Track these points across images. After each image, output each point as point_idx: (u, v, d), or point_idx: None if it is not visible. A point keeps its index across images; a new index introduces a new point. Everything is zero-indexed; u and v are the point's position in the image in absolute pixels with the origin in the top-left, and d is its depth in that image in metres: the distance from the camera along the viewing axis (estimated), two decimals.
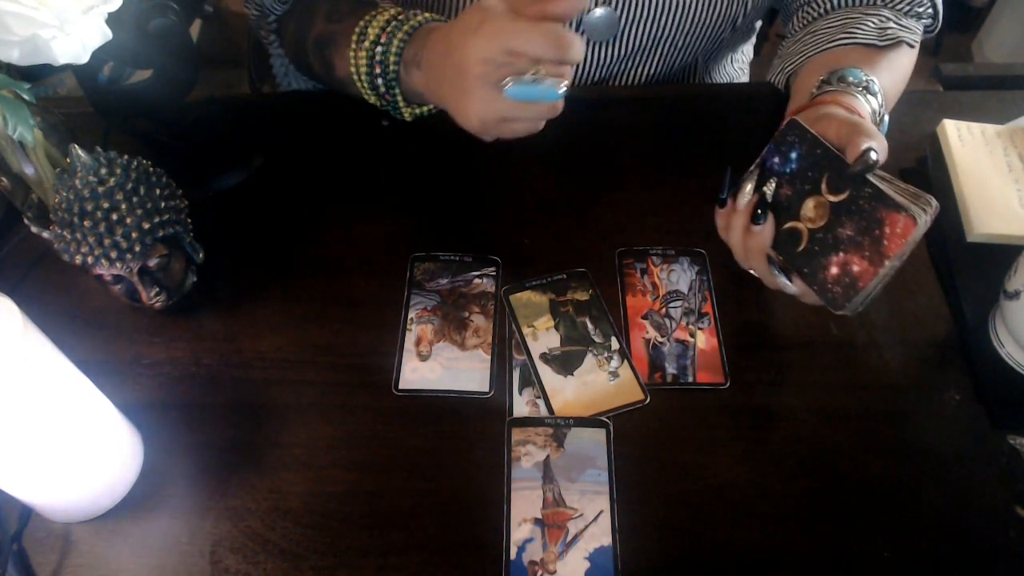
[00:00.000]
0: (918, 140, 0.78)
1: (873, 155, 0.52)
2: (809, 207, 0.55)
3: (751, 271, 0.60)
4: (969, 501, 0.56)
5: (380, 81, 0.67)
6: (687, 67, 0.86)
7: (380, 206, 0.72)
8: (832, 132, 0.55)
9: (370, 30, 0.66)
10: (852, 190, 0.53)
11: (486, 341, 0.63)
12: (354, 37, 0.67)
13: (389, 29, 0.65)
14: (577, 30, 0.78)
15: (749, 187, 0.57)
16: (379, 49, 0.65)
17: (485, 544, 0.53)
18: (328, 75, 0.73)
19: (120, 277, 0.59)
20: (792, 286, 0.58)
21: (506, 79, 0.54)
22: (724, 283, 0.67)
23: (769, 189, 0.57)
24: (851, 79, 0.62)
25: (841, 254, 0.53)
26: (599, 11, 0.76)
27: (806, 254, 0.55)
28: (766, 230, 0.57)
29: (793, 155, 0.56)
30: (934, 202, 0.50)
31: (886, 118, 0.64)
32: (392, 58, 0.65)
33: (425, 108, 0.70)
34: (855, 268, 0.53)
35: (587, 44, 0.80)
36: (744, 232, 0.58)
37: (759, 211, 0.56)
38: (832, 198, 0.54)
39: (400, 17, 0.66)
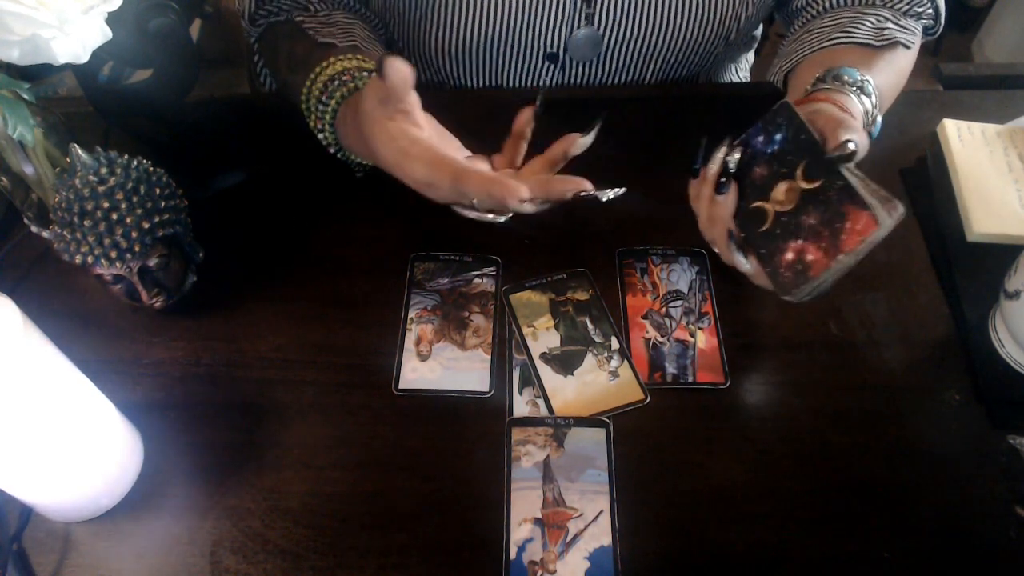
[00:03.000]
0: (918, 140, 0.78)
1: (851, 146, 0.52)
2: (781, 190, 0.55)
3: (711, 243, 0.61)
4: (969, 501, 0.56)
5: (332, 141, 0.65)
6: (685, 80, 0.86)
7: (380, 206, 0.72)
8: (819, 125, 0.56)
9: (315, 88, 0.64)
10: (825, 180, 0.53)
11: (486, 341, 0.63)
12: (302, 99, 0.66)
13: (329, 91, 0.64)
14: (561, 50, 0.78)
15: (720, 157, 0.58)
16: (319, 108, 0.64)
17: (485, 544, 0.53)
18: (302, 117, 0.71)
19: (120, 277, 0.59)
20: (746, 264, 0.58)
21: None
22: (724, 283, 0.67)
23: (732, 159, 0.58)
24: (846, 78, 0.62)
25: (800, 241, 0.54)
26: (581, 31, 0.76)
27: (767, 235, 0.56)
28: (728, 200, 0.58)
29: (778, 137, 0.56)
30: (901, 208, 0.50)
31: (879, 119, 0.64)
32: (328, 129, 0.64)
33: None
34: (809, 257, 0.53)
35: (573, 63, 0.80)
36: (709, 201, 0.59)
37: (723, 180, 0.57)
38: (805, 185, 0.54)
39: (329, 84, 0.64)
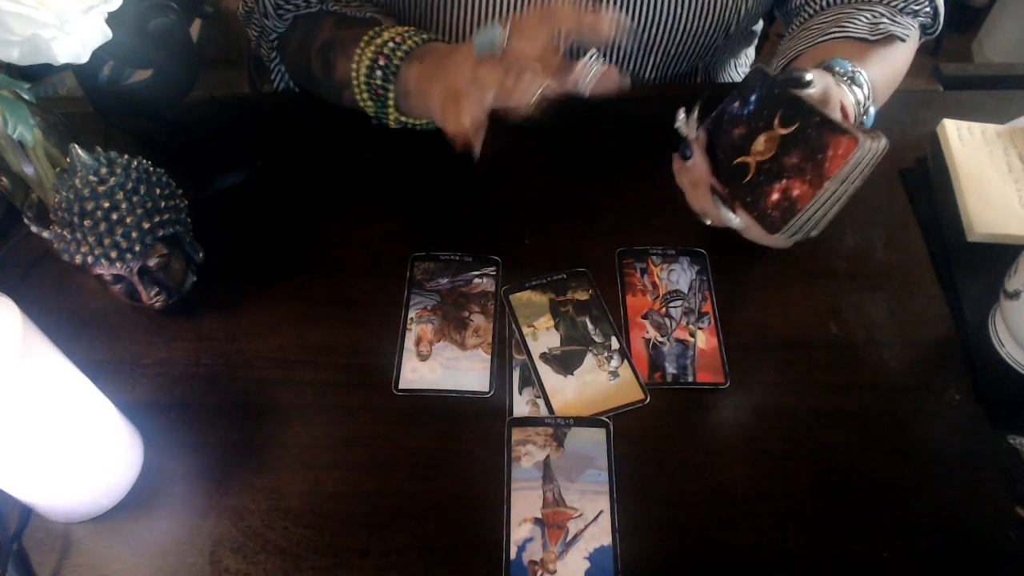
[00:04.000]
0: (918, 140, 0.78)
1: (808, 75, 0.55)
2: (760, 142, 0.57)
3: (701, 214, 0.63)
4: (969, 501, 0.56)
5: (379, 73, 0.67)
6: (685, 74, 0.86)
7: (380, 206, 0.72)
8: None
9: (385, 33, 0.68)
10: (801, 120, 0.54)
11: (486, 341, 0.63)
12: (365, 38, 0.68)
13: (406, 35, 0.67)
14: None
15: (680, 122, 0.60)
16: (390, 45, 0.67)
17: (485, 544, 0.53)
18: (327, 79, 0.74)
19: (120, 277, 0.59)
20: (735, 218, 0.59)
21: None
22: (724, 283, 0.67)
23: (680, 120, 0.60)
24: (837, 69, 0.63)
25: (784, 180, 0.55)
26: None
27: (751, 184, 0.57)
28: (697, 160, 0.60)
29: (752, 98, 0.58)
30: (884, 139, 0.51)
31: (872, 109, 0.65)
32: (400, 53, 0.66)
33: (410, 120, 0.70)
34: (795, 192, 0.54)
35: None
36: (682, 169, 0.61)
37: (684, 146, 0.59)
38: (783, 131, 0.55)
39: (418, 31, 0.68)
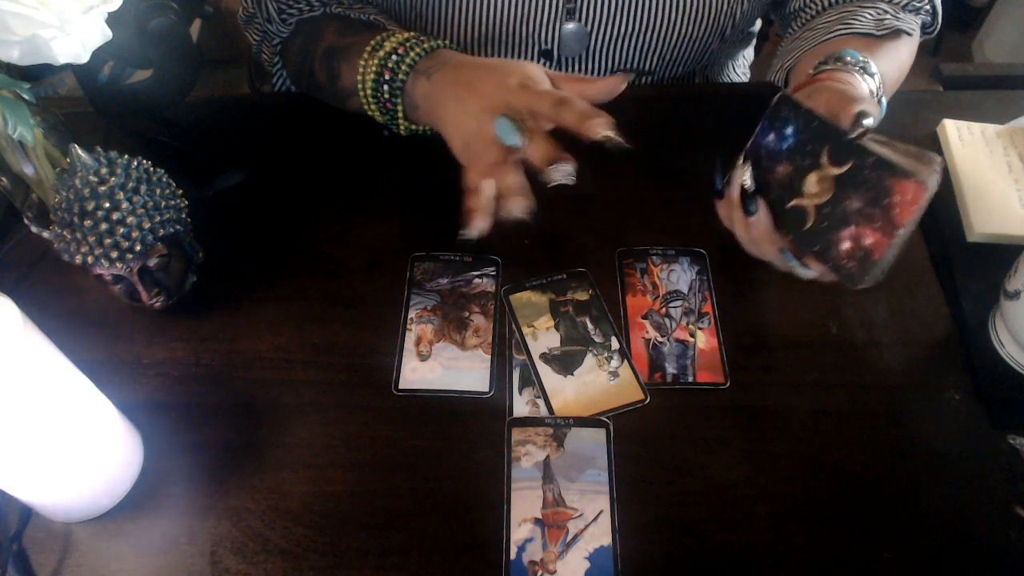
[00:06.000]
0: (918, 140, 0.78)
1: (868, 121, 0.51)
2: (812, 182, 0.54)
3: (764, 259, 0.60)
4: (969, 501, 0.56)
5: (386, 88, 0.67)
6: (682, 77, 0.86)
7: (380, 206, 0.72)
8: (822, 105, 0.55)
9: (387, 43, 0.67)
10: (855, 160, 0.51)
11: (486, 341, 0.63)
12: (368, 48, 0.67)
13: (408, 44, 0.66)
14: (555, 47, 0.78)
15: (738, 176, 0.57)
16: (393, 58, 0.66)
17: (485, 544, 0.53)
18: (332, 86, 0.73)
19: (120, 277, 0.59)
20: (809, 271, 0.57)
21: (500, 116, 0.57)
22: (724, 283, 0.67)
23: (747, 178, 0.56)
24: (848, 59, 0.62)
25: (852, 227, 0.52)
26: (568, 27, 0.76)
27: (815, 232, 0.54)
28: (761, 217, 0.56)
29: (788, 131, 0.55)
30: (938, 158, 0.49)
31: (884, 100, 0.64)
32: (404, 67, 0.66)
33: (421, 128, 0.70)
34: (868, 241, 0.51)
35: (567, 60, 0.80)
36: (743, 224, 0.58)
37: (747, 199, 0.56)
38: (835, 170, 0.52)
39: (420, 37, 0.67)
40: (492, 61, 0.63)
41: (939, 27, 0.76)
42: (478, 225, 0.59)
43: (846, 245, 0.53)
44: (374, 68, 0.67)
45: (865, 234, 0.52)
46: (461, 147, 0.61)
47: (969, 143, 0.75)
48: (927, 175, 0.48)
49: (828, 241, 0.53)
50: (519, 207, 0.58)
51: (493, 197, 0.59)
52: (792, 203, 0.55)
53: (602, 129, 0.55)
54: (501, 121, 0.57)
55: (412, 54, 0.66)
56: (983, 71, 0.91)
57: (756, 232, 0.57)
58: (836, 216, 0.53)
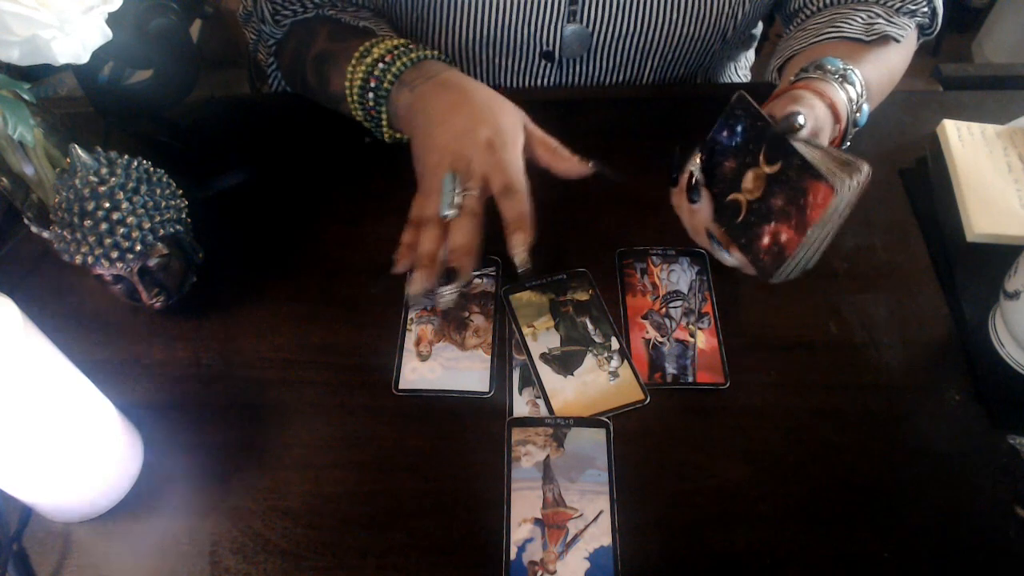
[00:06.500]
0: (918, 140, 0.78)
1: (800, 119, 0.53)
2: (749, 179, 0.56)
3: (700, 245, 0.63)
4: (969, 501, 0.56)
5: (371, 95, 0.68)
6: (684, 78, 0.86)
7: (380, 206, 0.72)
8: (779, 109, 0.57)
9: (375, 50, 0.68)
10: (783, 161, 0.53)
11: (486, 341, 0.63)
12: (356, 55, 0.68)
13: (396, 53, 0.68)
14: (556, 48, 0.78)
15: (690, 166, 0.60)
16: (380, 66, 0.67)
17: (485, 544, 0.53)
18: (323, 90, 0.75)
19: (120, 277, 0.59)
20: (731, 259, 0.59)
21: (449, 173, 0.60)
22: (724, 283, 0.67)
23: (695, 167, 0.59)
24: (829, 67, 0.63)
25: (772, 224, 0.54)
26: (570, 28, 0.77)
27: (744, 225, 0.57)
28: (703, 206, 0.60)
29: (739, 128, 0.57)
30: (865, 168, 0.50)
31: (865, 107, 0.65)
32: (390, 76, 0.67)
33: (404, 136, 0.71)
34: (783, 237, 0.54)
35: (569, 61, 0.80)
36: (688, 210, 0.61)
37: (694, 188, 0.59)
38: (768, 169, 0.55)
39: (409, 46, 0.68)
40: (473, 95, 0.64)
41: (939, 28, 0.76)
42: (420, 282, 0.59)
43: (765, 240, 0.55)
44: (360, 75, 0.68)
45: (781, 231, 0.54)
46: (419, 172, 0.63)
47: (969, 143, 0.75)
48: (840, 181, 0.50)
49: (752, 235, 0.56)
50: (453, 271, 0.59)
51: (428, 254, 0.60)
52: (730, 197, 0.58)
53: (517, 249, 0.59)
54: (448, 180, 0.59)
55: (399, 63, 0.67)
56: (983, 71, 0.91)
57: (696, 219, 0.60)
58: (762, 212, 0.55)
